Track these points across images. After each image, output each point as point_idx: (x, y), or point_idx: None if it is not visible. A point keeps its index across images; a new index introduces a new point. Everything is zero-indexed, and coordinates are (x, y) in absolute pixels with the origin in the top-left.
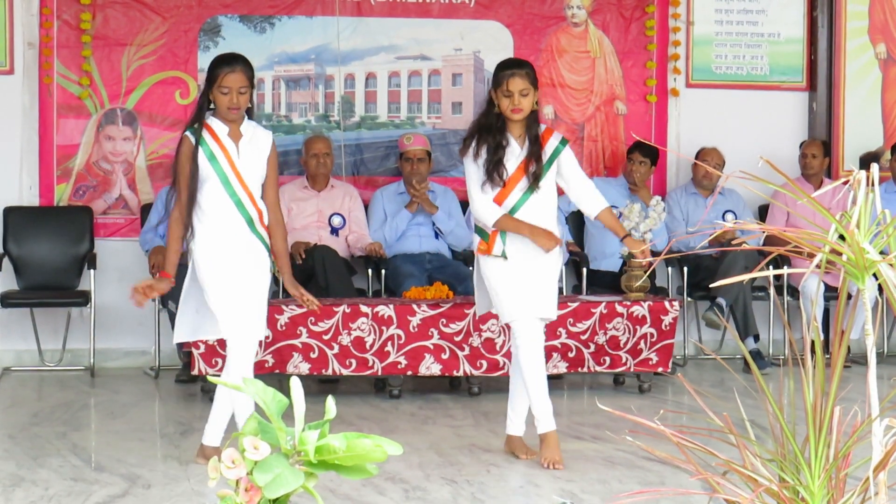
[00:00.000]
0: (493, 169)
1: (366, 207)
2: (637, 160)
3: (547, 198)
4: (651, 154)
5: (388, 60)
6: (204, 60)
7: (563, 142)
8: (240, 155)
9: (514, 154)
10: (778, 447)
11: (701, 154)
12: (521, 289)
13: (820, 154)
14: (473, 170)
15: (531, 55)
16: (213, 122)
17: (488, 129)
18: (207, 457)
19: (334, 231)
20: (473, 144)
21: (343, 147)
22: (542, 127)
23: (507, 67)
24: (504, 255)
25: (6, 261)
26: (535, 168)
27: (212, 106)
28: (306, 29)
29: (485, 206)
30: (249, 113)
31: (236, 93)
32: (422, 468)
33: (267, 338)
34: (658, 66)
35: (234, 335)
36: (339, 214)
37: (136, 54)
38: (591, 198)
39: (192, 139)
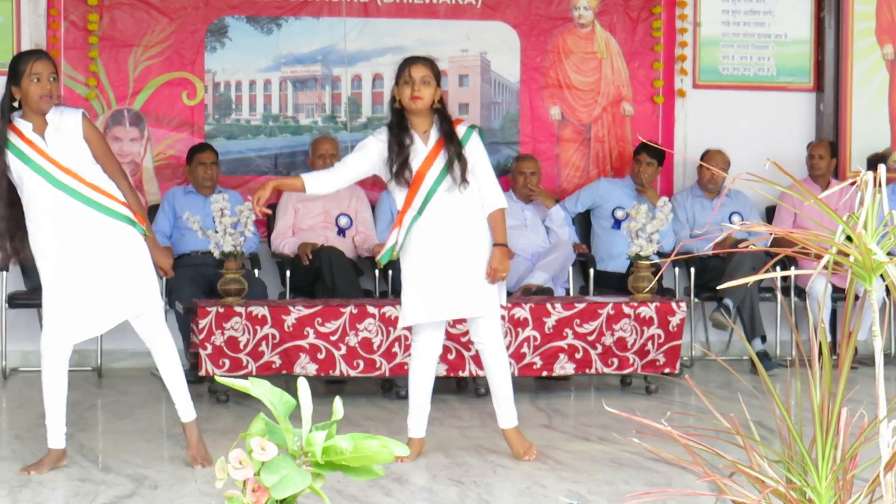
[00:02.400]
0: (400, 169)
1: (373, 208)
2: (644, 161)
3: (462, 192)
4: (658, 155)
5: (394, 61)
6: (211, 61)
7: (470, 130)
8: (48, 144)
9: (419, 152)
10: (785, 448)
11: (706, 157)
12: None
13: (827, 155)
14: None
15: (537, 56)
16: (17, 122)
17: (394, 129)
18: None
19: (341, 232)
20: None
21: (350, 148)
22: (451, 119)
23: (409, 59)
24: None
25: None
26: (460, 168)
27: (14, 104)
28: (313, 30)
29: None
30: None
31: (47, 79)
32: (428, 469)
33: (274, 337)
34: (665, 67)
35: (48, 331)
36: (345, 215)
37: (142, 55)
38: (493, 192)
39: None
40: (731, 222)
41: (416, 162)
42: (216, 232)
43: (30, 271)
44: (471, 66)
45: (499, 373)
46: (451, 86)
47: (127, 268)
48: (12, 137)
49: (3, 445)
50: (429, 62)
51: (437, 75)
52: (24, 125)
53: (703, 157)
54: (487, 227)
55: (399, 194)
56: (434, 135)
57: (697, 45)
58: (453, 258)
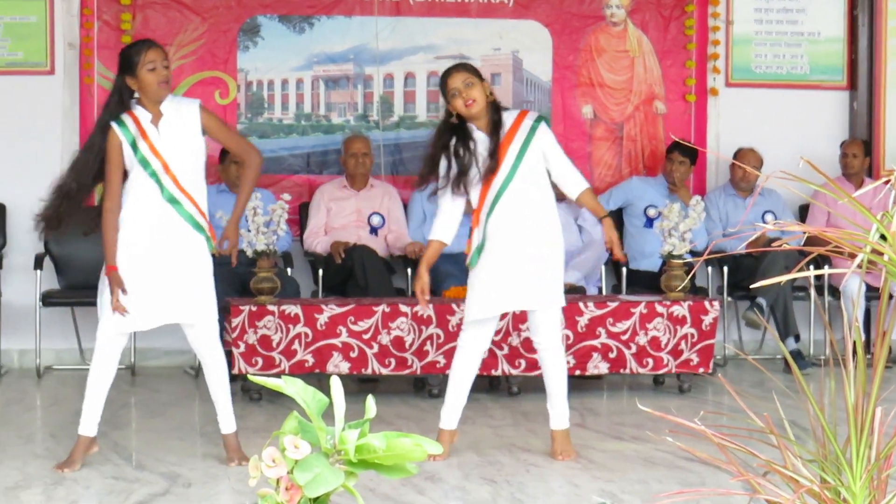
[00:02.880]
0: (462, 177)
1: (405, 207)
2: (677, 160)
3: (530, 184)
4: (690, 154)
5: (426, 60)
6: (244, 61)
7: (537, 121)
8: (160, 135)
9: (485, 150)
10: (819, 448)
11: (738, 155)
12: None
13: (861, 153)
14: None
15: (570, 55)
16: (137, 109)
17: (448, 142)
18: None
19: (373, 231)
20: (444, 160)
21: (382, 147)
22: (515, 112)
23: (443, 74)
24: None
25: (47, 260)
26: (504, 156)
27: (135, 95)
28: (345, 29)
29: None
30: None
31: (162, 66)
32: (461, 468)
33: (306, 336)
34: (697, 65)
35: (107, 320)
36: (378, 214)
37: (175, 54)
38: (571, 179)
39: (118, 129)
40: (764, 221)
41: (483, 162)
42: (249, 231)
43: (64, 270)
44: (503, 64)
45: (555, 373)
46: None
47: (190, 275)
48: (129, 124)
49: (38, 443)
50: (462, 67)
51: (477, 73)
52: (143, 115)
53: (735, 156)
54: (557, 217)
55: (473, 193)
56: (504, 127)
57: (730, 43)
58: (523, 250)
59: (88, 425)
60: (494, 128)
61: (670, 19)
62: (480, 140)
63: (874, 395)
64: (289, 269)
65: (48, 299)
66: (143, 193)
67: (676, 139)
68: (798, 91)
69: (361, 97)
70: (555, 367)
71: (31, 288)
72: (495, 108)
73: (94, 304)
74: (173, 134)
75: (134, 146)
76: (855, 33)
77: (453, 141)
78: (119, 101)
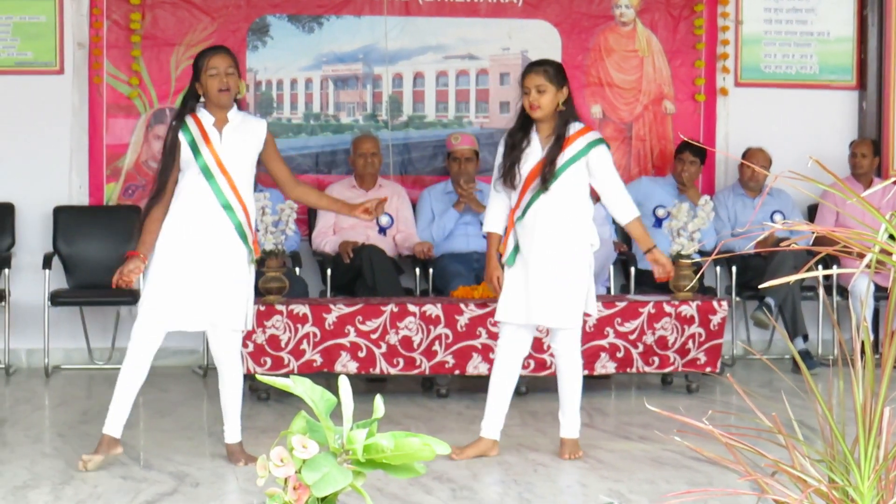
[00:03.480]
0: (507, 171)
1: (413, 207)
2: (686, 160)
3: (563, 199)
4: (700, 154)
5: (435, 60)
6: (253, 60)
7: (595, 142)
8: (222, 140)
9: (533, 154)
10: (827, 448)
11: (747, 155)
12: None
13: (870, 153)
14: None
15: (579, 54)
16: (200, 112)
17: (513, 132)
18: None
19: (382, 230)
20: (500, 152)
21: (391, 146)
22: (579, 126)
23: (527, 68)
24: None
25: (56, 259)
26: (547, 170)
27: (201, 99)
28: (354, 28)
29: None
30: (240, 104)
31: (224, 73)
32: (469, 467)
33: (315, 335)
34: (707, 65)
35: (142, 317)
36: (387, 214)
37: (184, 54)
38: (620, 206)
39: (178, 128)
40: (772, 221)
41: (526, 166)
42: (259, 230)
43: (73, 269)
44: (512, 64)
45: (569, 384)
46: (491, 84)
47: (225, 284)
48: (190, 124)
49: (46, 443)
50: (545, 68)
51: (557, 78)
52: (205, 117)
53: (744, 156)
54: (585, 236)
55: (513, 195)
56: (553, 138)
57: (739, 43)
58: (543, 264)
59: (112, 425)
60: (553, 136)
61: (679, 19)
62: (535, 143)
63: (883, 394)
64: (297, 269)
65: (57, 299)
66: (196, 194)
67: (686, 139)
68: (807, 91)
69: (370, 97)
70: (569, 376)
71: (39, 287)
72: (563, 119)
73: (102, 303)
74: (237, 142)
75: (194, 147)
76: (864, 33)
77: (517, 136)
78: (184, 104)
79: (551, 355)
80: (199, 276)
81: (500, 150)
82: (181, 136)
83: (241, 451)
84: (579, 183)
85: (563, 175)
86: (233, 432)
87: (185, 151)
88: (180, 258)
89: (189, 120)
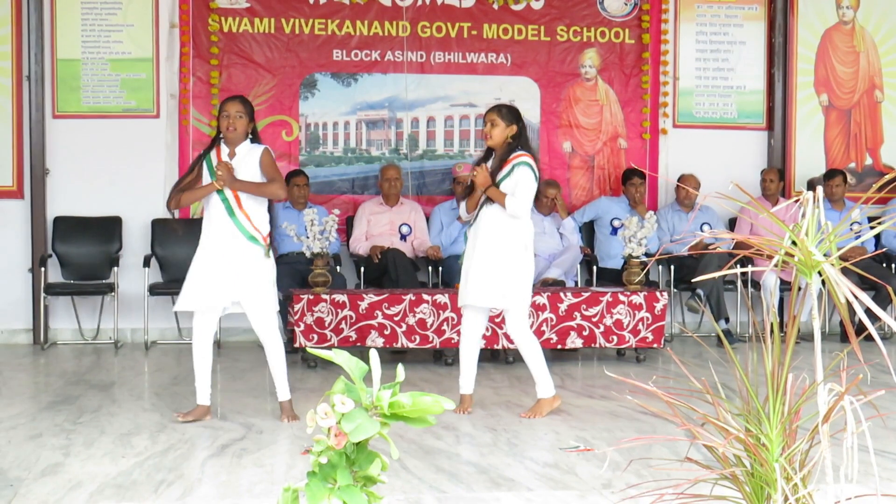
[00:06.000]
0: (470, 185)
1: (427, 219)
2: (637, 183)
3: (499, 207)
4: (643, 177)
5: (444, 107)
6: (304, 107)
7: (520, 163)
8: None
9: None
10: (744, 405)
11: (682, 179)
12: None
13: (776, 179)
14: None
15: (553, 103)
16: (222, 145)
17: (479, 158)
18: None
19: (403, 238)
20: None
21: (410, 173)
22: (519, 152)
23: (489, 108)
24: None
25: (153, 260)
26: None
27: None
28: (381, 83)
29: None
30: (255, 137)
31: (234, 117)
32: (469, 419)
33: (351, 318)
34: (651, 111)
35: (188, 307)
36: (407, 225)
37: (252, 102)
38: (509, 200)
39: (204, 156)
40: (702, 230)
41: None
42: (308, 237)
43: (166, 267)
44: None
45: (525, 354)
46: None
47: (246, 271)
48: (212, 155)
49: (146, 400)
50: (498, 108)
51: (507, 117)
52: (224, 149)
53: (680, 180)
54: (513, 235)
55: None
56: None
57: (676, 94)
58: (481, 258)
59: (202, 395)
60: (498, 160)
61: (630, 76)
62: (489, 166)
63: (787, 364)
64: (338, 267)
65: (154, 290)
66: (215, 209)
67: (633, 166)
68: (728, 131)
69: (394, 135)
70: (521, 350)
71: (140, 281)
72: (510, 148)
73: None
74: (240, 167)
75: (211, 171)
76: (772, 87)
77: (480, 160)
78: (213, 139)
79: (534, 333)
80: (224, 268)
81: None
82: (204, 164)
83: (290, 409)
84: (513, 194)
85: (501, 187)
86: (283, 392)
87: (206, 174)
88: (210, 255)
89: (213, 152)
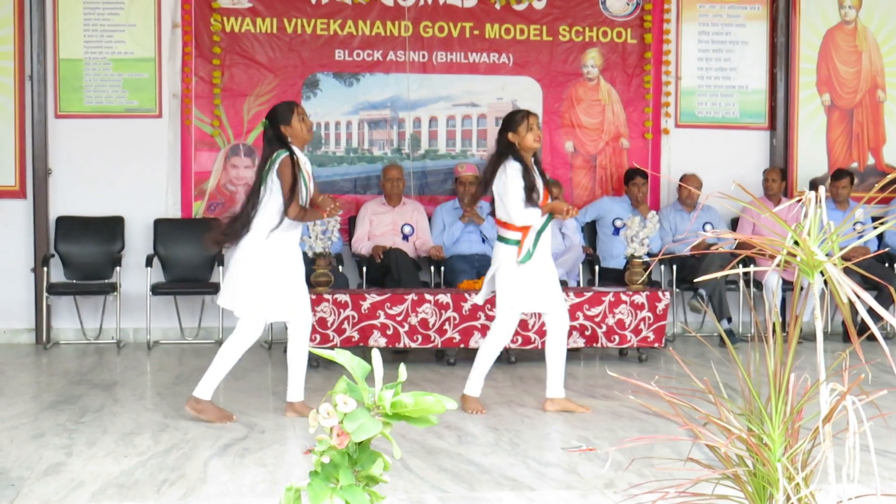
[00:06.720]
0: (529, 191)
1: (429, 219)
2: (639, 183)
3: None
4: (646, 177)
5: (446, 107)
6: (307, 107)
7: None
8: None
9: (538, 180)
10: (746, 404)
11: (684, 179)
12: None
13: (779, 179)
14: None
15: (556, 103)
16: (294, 148)
17: (525, 168)
18: (296, 410)
19: (405, 237)
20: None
21: (412, 173)
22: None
23: (525, 111)
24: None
25: (156, 260)
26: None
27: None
28: (384, 83)
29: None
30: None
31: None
32: (471, 419)
33: (353, 318)
34: (653, 111)
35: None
36: (409, 225)
37: (254, 102)
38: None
39: (290, 158)
40: (704, 230)
41: (540, 186)
42: (310, 237)
43: (168, 267)
44: (504, 110)
45: (560, 354)
46: (489, 125)
47: (236, 270)
48: (304, 164)
49: (148, 399)
50: (534, 113)
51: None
52: (298, 153)
53: (682, 180)
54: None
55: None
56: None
57: (678, 94)
58: (552, 265)
59: (295, 393)
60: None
61: (633, 76)
62: (535, 174)
63: (789, 364)
64: (340, 267)
65: (156, 290)
66: (294, 225)
67: (636, 166)
68: (730, 130)
69: (396, 135)
70: (562, 349)
71: (143, 281)
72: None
73: (191, 293)
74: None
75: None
76: (774, 86)
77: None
78: (281, 143)
79: (536, 333)
80: (301, 277)
81: (517, 180)
82: (299, 170)
83: (302, 408)
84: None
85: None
86: (298, 392)
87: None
88: (289, 267)
89: (294, 155)
